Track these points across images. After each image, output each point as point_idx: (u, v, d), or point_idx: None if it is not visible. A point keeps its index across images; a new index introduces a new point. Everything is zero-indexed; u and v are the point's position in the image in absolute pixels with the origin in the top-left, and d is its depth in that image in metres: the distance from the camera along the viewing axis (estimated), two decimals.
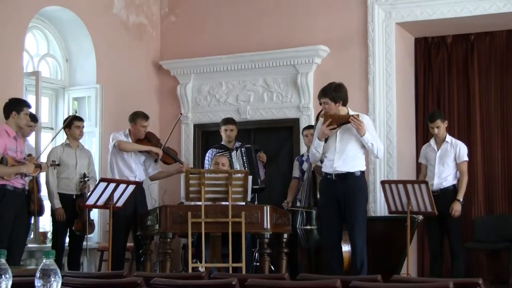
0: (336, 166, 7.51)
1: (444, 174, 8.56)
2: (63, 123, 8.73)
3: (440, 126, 8.64)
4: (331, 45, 9.95)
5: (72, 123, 8.60)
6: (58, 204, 8.38)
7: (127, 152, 8.73)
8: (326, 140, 7.59)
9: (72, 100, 9.97)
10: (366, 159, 8.07)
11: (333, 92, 7.50)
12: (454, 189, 8.53)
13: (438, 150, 8.65)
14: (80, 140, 8.80)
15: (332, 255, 7.61)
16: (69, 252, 8.61)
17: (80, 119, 8.77)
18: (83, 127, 8.76)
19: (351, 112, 7.59)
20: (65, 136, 8.72)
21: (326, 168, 7.62)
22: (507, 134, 10.08)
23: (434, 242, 8.65)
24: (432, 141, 8.78)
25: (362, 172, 7.64)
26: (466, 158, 8.62)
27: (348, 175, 7.51)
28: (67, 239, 8.64)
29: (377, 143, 7.60)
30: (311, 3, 10.14)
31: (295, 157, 9.52)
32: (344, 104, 7.58)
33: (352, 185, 7.49)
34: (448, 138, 8.69)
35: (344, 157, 7.51)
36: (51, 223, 8.70)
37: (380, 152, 7.67)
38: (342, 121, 7.46)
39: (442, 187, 8.54)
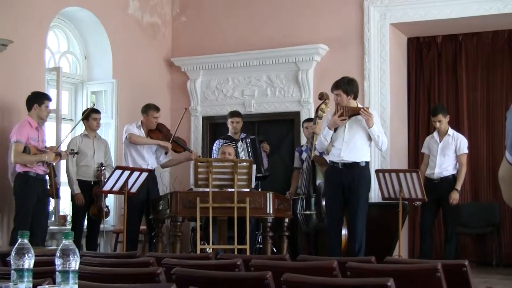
0: (343, 156, 7.49)
1: (445, 165, 8.54)
2: (82, 115, 8.73)
3: (442, 120, 8.61)
4: (330, 44, 9.92)
5: (90, 115, 8.60)
6: (77, 190, 8.39)
7: (137, 145, 8.73)
8: (335, 130, 7.58)
9: (90, 94, 9.97)
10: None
11: (346, 85, 7.50)
12: (453, 178, 8.51)
13: (440, 142, 8.61)
14: (97, 131, 8.81)
15: (333, 239, 7.60)
16: (87, 234, 8.62)
17: (97, 112, 8.77)
18: (100, 119, 8.75)
19: (361, 106, 7.59)
20: (84, 127, 8.72)
21: (333, 156, 7.59)
22: (492, 127, 10.08)
23: (426, 225, 8.64)
24: (435, 133, 8.75)
25: (367, 163, 7.62)
26: (466, 151, 8.59)
27: (354, 165, 7.49)
28: (85, 222, 8.65)
29: (383, 136, 7.57)
30: (312, 5, 10.11)
31: (296, 147, 9.52)
32: (355, 97, 7.58)
33: (357, 174, 7.47)
34: (450, 131, 8.66)
35: (351, 147, 7.49)
36: (71, 207, 8.71)
37: (384, 145, 7.63)
38: (352, 113, 7.45)
39: (442, 176, 8.52)
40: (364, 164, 7.55)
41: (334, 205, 7.62)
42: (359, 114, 7.41)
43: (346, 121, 7.48)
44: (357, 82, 7.71)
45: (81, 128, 8.87)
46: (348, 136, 7.52)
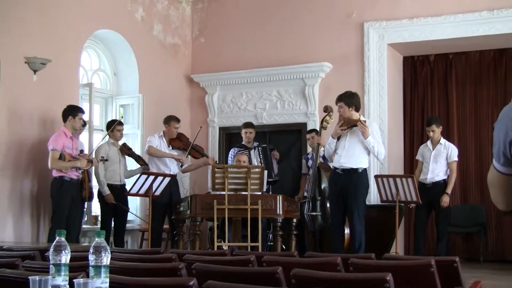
0: (342, 162, 7.47)
1: (437, 171, 8.50)
2: (107, 127, 8.73)
3: (435, 130, 8.58)
4: (333, 62, 9.93)
5: (115, 127, 8.62)
6: (107, 191, 8.40)
7: (155, 157, 8.73)
8: (339, 139, 7.57)
9: (119, 107, 10.01)
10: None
11: (347, 98, 7.49)
12: (444, 183, 8.48)
13: (433, 150, 8.58)
14: (125, 140, 8.82)
15: (336, 236, 7.58)
16: (115, 232, 8.63)
17: (121, 124, 8.78)
18: (123, 130, 8.78)
19: (362, 118, 7.58)
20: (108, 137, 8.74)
21: (335, 162, 7.58)
22: (479, 137, 10.05)
23: (420, 225, 8.61)
24: (428, 142, 8.72)
25: (364, 169, 7.56)
26: (456, 159, 8.55)
27: (351, 171, 7.45)
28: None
29: (378, 147, 7.48)
30: (317, 27, 10.12)
31: (303, 155, 9.52)
32: (357, 109, 7.55)
33: (354, 179, 7.43)
34: (442, 140, 8.63)
35: (350, 154, 7.46)
36: (100, 208, 8.72)
37: (380, 155, 7.56)
38: (351, 124, 7.44)
39: (434, 181, 8.49)
40: (361, 170, 7.51)
41: (336, 207, 7.60)
42: (357, 125, 7.40)
43: (346, 131, 7.48)
44: (359, 96, 7.69)
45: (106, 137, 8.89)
46: (348, 144, 7.50)
